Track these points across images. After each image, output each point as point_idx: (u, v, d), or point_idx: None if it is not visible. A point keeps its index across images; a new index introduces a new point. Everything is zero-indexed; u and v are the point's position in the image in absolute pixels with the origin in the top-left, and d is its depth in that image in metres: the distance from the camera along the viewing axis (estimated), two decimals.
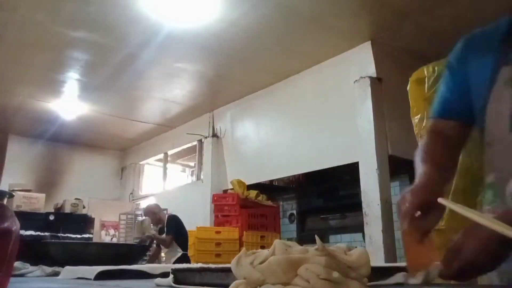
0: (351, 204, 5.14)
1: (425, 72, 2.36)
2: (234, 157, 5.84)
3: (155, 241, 4.41)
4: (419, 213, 0.78)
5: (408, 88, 2.48)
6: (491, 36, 0.99)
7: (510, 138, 0.86)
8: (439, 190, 0.83)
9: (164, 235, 4.37)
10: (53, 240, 1.75)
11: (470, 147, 2.06)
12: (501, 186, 0.87)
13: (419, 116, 2.36)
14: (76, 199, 6.72)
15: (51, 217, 6.08)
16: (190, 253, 4.35)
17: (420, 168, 0.92)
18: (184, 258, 4.18)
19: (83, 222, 6.39)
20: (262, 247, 4.12)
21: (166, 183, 7.43)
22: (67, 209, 6.42)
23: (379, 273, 0.74)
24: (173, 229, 4.39)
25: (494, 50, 0.94)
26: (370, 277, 0.72)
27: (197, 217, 5.60)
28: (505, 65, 0.89)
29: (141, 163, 8.21)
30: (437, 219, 0.79)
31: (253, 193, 4.99)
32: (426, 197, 0.80)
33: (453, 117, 1.02)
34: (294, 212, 6.35)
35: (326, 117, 4.58)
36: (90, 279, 0.97)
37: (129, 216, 6.87)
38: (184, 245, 4.36)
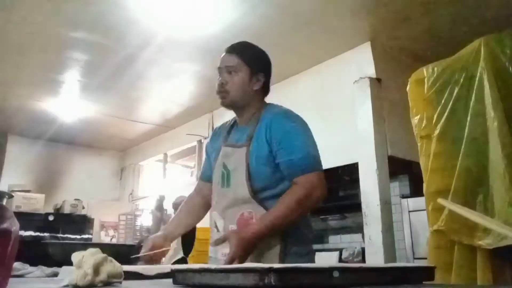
0: (351, 204, 5.14)
1: (425, 72, 2.36)
2: None
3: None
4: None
5: (407, 88, 2.48)
6: (224, 129, 1.65)
7: (217, 189, 1.51)
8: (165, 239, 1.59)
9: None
10: (52, 241, 1.75)
11: (470, 149, 2.06)
12: (212, 218, 1.53)
13: (418, 116, 2.36)
14: (75, 199, 6.72)
15: (51, 218, 6.08)
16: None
17: (173, 220, 1.75)
18: (182, 262, 4.15)
19: (83, 223, 6.39)
20: None
21: (165, 184, 7.43)
22: (67, 210, 6.42)
23: (379, 273, 0.74)
24: None
25: (222, 139, 1.60)
26: (370, 277, 0.72)
27: None
28: (223, 146, 1.54)
29: (140, 163, 8.21)
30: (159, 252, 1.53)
31: None
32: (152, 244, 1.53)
33: (207, 180, 1.67)
34: None
35: (325, 118, 4.58)
36: None
37: (128, 217, 6.86)
38: (187, 249, 4.33)
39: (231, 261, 1.23)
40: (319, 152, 1.49)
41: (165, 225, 1.66)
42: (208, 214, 1.71)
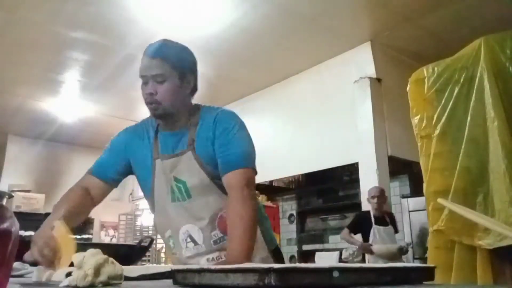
0: (351, 204, 5.14)
1: (425, 72, 2.36)
2: None
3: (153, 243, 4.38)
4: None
5: (407, 88, 2.48)
6: (143, 136, 1.47)
7: (170, 206, 1.37)
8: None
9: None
10: None
11: (470, 149, 2.06)
12: (175, 236, 1.38)
13: (418, 116, 2.36)
14: None
15: None
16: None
17: (56, 213, 1.33)
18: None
19: (83, 223, 6.38)
20: None
21: None
22: None
23: (379, 273, 0.74)
24: None
25: (148, 147, 1.43)
26: (370, 277, 0.72)
27: None
28: (157, 159, 1.38)
29: None
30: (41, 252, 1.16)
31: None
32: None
33: (104, 179, 1.45)
34: (294, 212, 6.35)
35: (326, 118, 4.58)
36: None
37: (128, 217, 6.87)
38: None
39: None
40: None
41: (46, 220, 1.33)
42: None
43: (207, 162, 1.32)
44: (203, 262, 1.33)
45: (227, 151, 1.31)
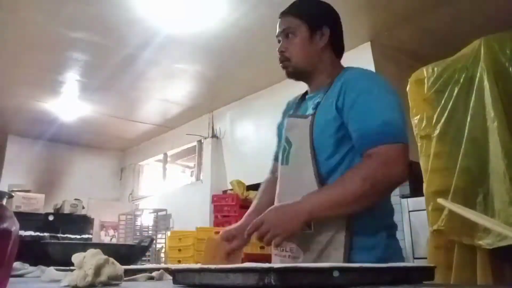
0: None
1: (425, 73, 2.36)
2: (233, 158, 5.84)
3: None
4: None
5: (407, 89, 2.49)
6: (295, 101, 1.46)
7: (281, 169, 1.27)
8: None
9: None
10: (52, 241, 1.75)
11: (470, 149, 2.06)
12: (276, 198, 1.31)
13: (418, 117, 2.36)
14: (75, 199, 6.71)
15: (51, 218, 6.07)
16: (189, 253, 4.34)
17: (250, 207, 1.42)
18: None
19: (83, 223, 6.38)
20: (262, 248, 4.12)
21: (165, 184, 7.43)
22: (67, 210, 6.42)
23: (379, 273, 0.74)
24: None
25: (291, 111, 1.39)
26: (370, 277, 0.73)
27: (196, 217, 5.60)
28: (288, 117, 1.32)
29: (140, 163, 8.21)
30: (234, 247, 1.32)
31: (252, 194, 4.98)
32: (232, 235, 1.31)
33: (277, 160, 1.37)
34: None
35: None
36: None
37: (128, 217, 6.86)
38: None
39: (253, 229, 1.06)
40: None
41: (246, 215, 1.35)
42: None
43: (319, 133, 1.15)
44: (273, 251, 1.29)
45: (359, 123, 1.10)
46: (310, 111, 1.22)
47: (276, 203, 1.22)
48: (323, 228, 1.10)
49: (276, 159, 1.43)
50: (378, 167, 1.03)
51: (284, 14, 1.31)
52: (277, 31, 1.30)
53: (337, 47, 1.34)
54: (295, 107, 1.37)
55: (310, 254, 1.12)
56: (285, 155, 1.23)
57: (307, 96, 1.35)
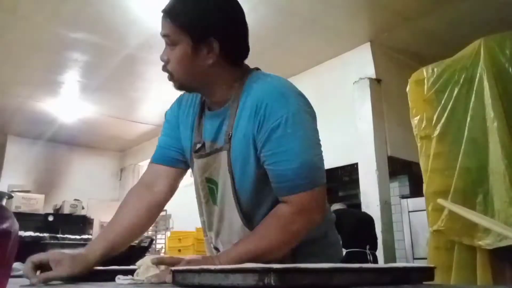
0: (351, 205, 5.14)
1: (425, 73, 2.36)
2: None
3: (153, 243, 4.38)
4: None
5: (407, 89, 2.49)
6: (190, 109, 1.16)
7: (207, 208, 1.16)
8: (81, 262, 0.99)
9: None
10: (52, 241, 1.75)
11: (470, 149, 2.07)
12: (206, 238, 1.23)
13: (418, 117, 2.36)
14: (75, 200, 6.72)
15: (50, 218, 6.08)
16: (189, 254, 4.35)
17: (104, 229, 1.11)
18: None
19: (82, 223, 6.39)
20: None
21: None
22: (66, 210, 6.42)
23: (379, 273, 0.74)
24: None
25: (190, 130, 1.12)
26: (370, 277, 0.72)
27: (196, 218, 5.55)
28: (195, 152, 1.10)
29: (140, 164, 8.21)
30: (55, 275, 0.95)
31: None
32: (54, 260, 0.99)
33: (169, 163, 1.17)
34: None
35: (325, 118, 4.57)
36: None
37: None
38: None
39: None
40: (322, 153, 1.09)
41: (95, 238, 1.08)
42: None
43: (238, 171, 1.01)
44: None
45: (277, 164, 0.96)
46: (220, 141, 1.03)
47: (214, 241, 1.14)
48: None
49: (160, 160, 1.17)
50: (293, 216, 0.96)
51: (164, 12, 1.07)
52: (161, 31, 1.07)
53: (235, 56, 1.06)
54: (197, 124, 1.11)
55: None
56: (212, 196, 1.09)
57: (206, 112, 1.10)
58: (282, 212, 0.97)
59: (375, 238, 4.04)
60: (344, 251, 4.01)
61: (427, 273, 0.80)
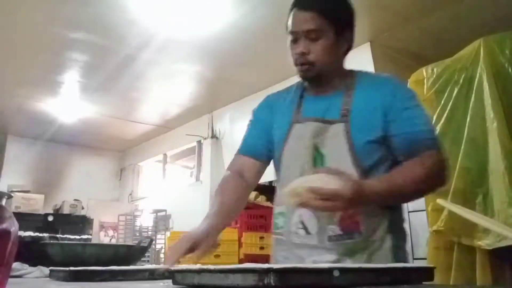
0: None
1: (424, 73, 2.36)
2: None
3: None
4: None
5: None
6: (286, 98, 1.29)
7: (295, 178, 1.12)
8: (212, 234, 1.12)
9: None
10: (51, 241, 1.75)
11: (470, 149, 2.07)
12: (288, 216, 1.17)
13: None
14: (75, 200, 6.72)
15: (50, 218, 6.07)
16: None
17: (212, 208, 1.22)
18: None
19: (82, 223, 6.39)
20: (261, 248, 4.12)
21: (165, 184, 7.43)
22: (66, 210, 6.42)
23: (378, 273, 0.74)
24: None
25: (290, 109, 1.24)
26: (370, 277, 0.73)
27: (196, 218, 5.55)
28: (297, 122, 1.19)
29: (140, 164, 8.21)
30: (200, 253, 1.07)
31: (252, 194, 4.98)
32: (193, 241, 1.08)
33: (254, 155, 1.30)
34: None
35: None
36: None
37: (128, 217, 6.86)
38: None
39: (332, 198, 0.92)
40: None
41: (207, 216, 1.21)
42: None
43: (361, 139, 1.10)
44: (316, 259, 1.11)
45: (412, 127, 1.10)
46: (336, 115, 1.14)
47: (297, 214, 1.15)
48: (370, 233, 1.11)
49: (247, 153, 1.32)
50: (434, 164, 1.05)
51: (308, 9, 1.13)
52: (294, 26, 1.16)
53: (350, 48, 1.26)
54: (296, 106, 1.24)
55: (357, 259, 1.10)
56: (317, 166, 1.12)
57: (308, 97, 1.25)
58: (422, 159, 1.05)
59: None
60: None
61: (427, 273, 0.80)
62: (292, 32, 1.17)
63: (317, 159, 1.13)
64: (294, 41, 1.17)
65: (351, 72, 1.24)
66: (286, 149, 1.19)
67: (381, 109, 1.11)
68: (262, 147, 1.29)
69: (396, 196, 1.06)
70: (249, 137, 1.34)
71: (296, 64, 1.18)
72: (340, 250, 1.09)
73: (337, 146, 1.10)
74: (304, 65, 1.16)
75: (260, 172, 1.32)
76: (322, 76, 1.18)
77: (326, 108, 1.16)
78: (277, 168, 1.26)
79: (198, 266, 0.76)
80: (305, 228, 1.13)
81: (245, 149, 1.32)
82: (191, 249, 1.06)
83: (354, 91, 1.16)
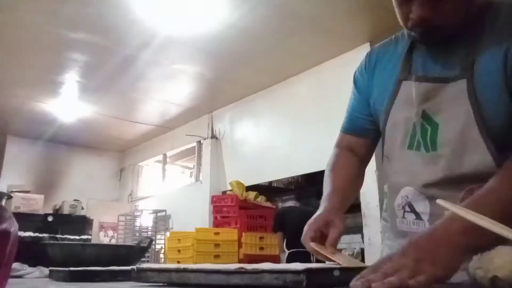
0: (350, 205, 5.14)
1: None
2: (233, 159, 5.84)
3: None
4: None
5: None
6: (393, 51, 1.00)
7: (402, 154, 0.92)
8: (337, 215, 0.93)
9: None
10: (51, 241, 1.75)
11: None
12: (391, 197, 0.96)
13: None
14: (74, 200, 6.70)
15: (50, 218, 6.06)
16: (188, 254, 4.34)
17: (327, 189, 1.04)
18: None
19: (82, 223, 6.37)
20: (261, 249, 4.12)
21: (165, 185, 7.42)
22: (66, 210, 6.41)
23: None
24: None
25: (396, 65, 0.96)
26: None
27: (196, 218, 5.60)
28: (405, 80, 0.92)
29: (140, 164, 8.21)
30: (336, 235, 0.87)
31: (252, 195, 4.98)
32: (324, 222, 0.90)
33: (359, 133, 1.08)
34: None
35: (325, 119, 4.58)
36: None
37: (127, 217, 6.86)
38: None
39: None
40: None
41: (322, 200, 1.02)
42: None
43: (490, 98, 0.79)
44: None
45: None
46: (456, 71, 0.84)
47: (401, 195, 0.92)
48: None
49: (351, 130, 1.10)
50: None
51: None
52: None
53: None
54: (404, 63, 0.94)
55: None
56: (427, 137, 0.87)
57: (419, 52, 0.93)
58: None
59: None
60: (287, 252, 4.01)
61: None
62: None
63: (425, 130, 0.87)
64: (404, 2, 0.88)
65: (487, 6, 0.85)
66: (392, 114, 0.94)
67: (503, 52, 0.79)
68: (366, 122, 1.06)
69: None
70: (351, 112, 1.10)
71: (410, 28, 0.89)
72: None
73: (457, 108, 0.82)
74: (425, 29, 0.86)
75: (372, 148, 1.12)
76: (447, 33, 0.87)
77: (444, 62, 0.87)
78: (382, 138, 1.02)
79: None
80: (414, 212, 0.89)
81: (348, 127, 1.10)
82: (323, 231, 0.89)
83: (484, 33, 0.83)
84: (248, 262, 1.52)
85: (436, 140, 0.86)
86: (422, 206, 0.88)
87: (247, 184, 5.16)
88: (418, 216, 0.89)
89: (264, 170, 5.33)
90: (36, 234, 1.89)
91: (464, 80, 0.82)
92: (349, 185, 1.06)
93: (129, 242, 6.20)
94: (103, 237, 7.23)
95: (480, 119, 0.80)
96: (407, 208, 0.91)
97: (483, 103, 0.80)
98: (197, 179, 6.51)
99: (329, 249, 0.84)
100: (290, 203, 4.39)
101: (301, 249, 4.05)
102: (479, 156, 0.80)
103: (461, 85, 0.82)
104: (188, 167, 7.98)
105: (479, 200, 0.70)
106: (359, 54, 4.37)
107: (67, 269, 0.99)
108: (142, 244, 1.51)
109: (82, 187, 7.54)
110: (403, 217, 0.91)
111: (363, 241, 4.31)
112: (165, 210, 6.56)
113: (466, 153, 0.81)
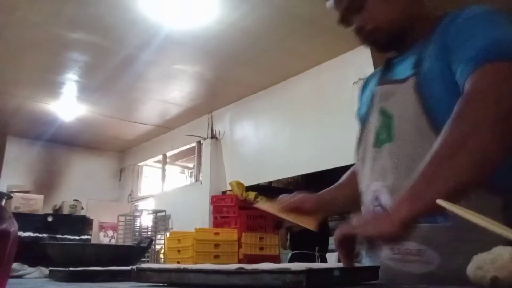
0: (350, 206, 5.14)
1: None
2: (233, 159, 5.84)
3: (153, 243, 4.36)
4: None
5: None
6: (377, 73, 1.13)
7: (371, 153, 0.99)
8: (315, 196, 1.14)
9: None
10: (51, 242, 1.75)
11: None
12: (366, 193, 1.00)
13: None
14: (74, 200, 6.70)
15: (50, 219, 6.06)
16: (188, 254, 4.34)
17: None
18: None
19: (82, 224, 6.37)
20: (261, 249, 4.11)
21: (164, 185, 7.42)
22: (66, 211, 6.41)
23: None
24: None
25: (377, 77, 1.09)
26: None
27: (195, 218, 5.59)
28: (379, 85, 1.02)
29: (139, 164, 8.20)
30: (295, 200, 1.11)
31: (252, 195, 4.98)
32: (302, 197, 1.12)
33: None
34: None
35: (325, 119, 4.59)
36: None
37: (127, 218, 6.86)
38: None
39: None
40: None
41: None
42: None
43: (432, 91, 0.86)
44: (384, 255, 0.87)
45: (464, 48, 0.81)
46: (408, 72, 0.92)
47: (372, 190, 0.96)
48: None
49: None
50: (489, 84, 0.74)
51: None
52: (338, 4, 1.06)
53: None
54: (381, 75, 1.07)
55: (453, 259, 0.76)
56: (384, 131, 0.93)
57: (393, 61, 1.05)
58: (474, 88, 0.76)
59: (327, 239, 3.98)
60: (290, 253, 4.03)
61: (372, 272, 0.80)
62: (338, 6, 1.12)
63: (385, 126, 0.94)
64: (342, 21, 1.10)
65: (442, 16, 0.93)
66: (365, 127, 1.07)
67: (441, 48, 0.87)
68: None
69: (456, 186, 0.73)
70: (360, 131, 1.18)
71: (365, 41, 1.11)
72: (425, 236, 0.80)
73: (406, 106, 0.89)
74: (370, 35, 1.07)
75: None
76: (397, 35, 0.99)
77: (404, 66, 0.97)
78: (362, 144, 1.12)
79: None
80: (381, 206, 0.91)
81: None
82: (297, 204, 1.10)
83: (431, 38, 0.91)
84: (248, 262, 1.52)
85: (391, 132, 0.92)
86: (385, 199, 0.90)
87: (247, 184, 5.14)
88: (384, 209, 0.89)
89: (264, 170, 5.33)
90: (36, 234, 1.90)
91: (412, 78, 0.90)
92: (349, 183, 1.19)
93: (129, 242, 6.20)
94: (103, 237, 7.23)
95: (426, 110, 0.85)
96: (375, 203, 0.94)
97: (425, 94, 0.86)
98: (197, 179, 6.51)
99: (275, 205, 1.07)
100: None
101: (305, 251, 4.07)
102: (425, 143, 0.81)
103: (411, 82, 0.90)
104: (188, 167, 7.98)
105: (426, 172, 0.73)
106: (358, 54, 4.37)
107: (67, 269, 0.99)
108: (142, 244, 1.51)
109: (82, 187, 7.54)
110: (373, 211, 0.94)
111: None
112: (165, 210, 6.56)
113: (419, 142, 0.85)
